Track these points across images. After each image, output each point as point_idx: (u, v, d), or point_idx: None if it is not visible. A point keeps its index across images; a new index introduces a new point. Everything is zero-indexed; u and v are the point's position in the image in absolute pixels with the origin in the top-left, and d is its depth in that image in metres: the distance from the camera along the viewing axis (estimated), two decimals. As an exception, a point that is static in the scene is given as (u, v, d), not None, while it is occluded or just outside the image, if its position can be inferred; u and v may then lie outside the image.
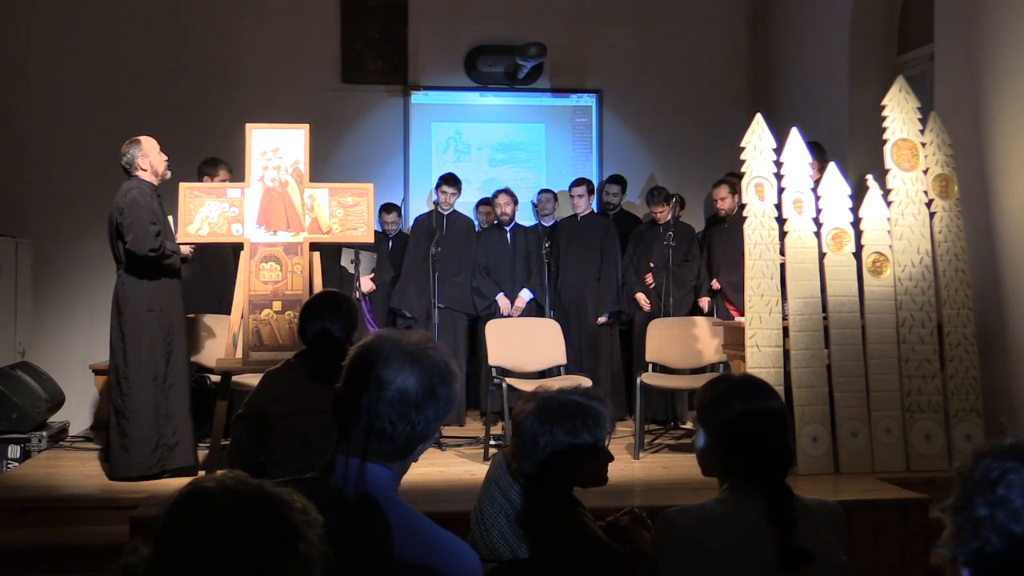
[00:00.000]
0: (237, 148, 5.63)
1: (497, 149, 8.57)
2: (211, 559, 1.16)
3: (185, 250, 5.47)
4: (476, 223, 7.91)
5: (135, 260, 5.22)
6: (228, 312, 5.54)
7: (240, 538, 1.17)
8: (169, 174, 5.47)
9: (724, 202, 7.02)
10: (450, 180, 7.35)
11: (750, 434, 2.11)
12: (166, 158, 5.47)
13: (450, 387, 1.73)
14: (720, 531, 2.06)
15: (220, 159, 6.61)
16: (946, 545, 1.29)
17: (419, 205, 8.31)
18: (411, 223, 7.88)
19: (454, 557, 1.71)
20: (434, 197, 7.44)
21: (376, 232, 7.65)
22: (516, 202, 7.48)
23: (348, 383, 1.72)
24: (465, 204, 8.01)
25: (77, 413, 6.87)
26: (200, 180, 6.35)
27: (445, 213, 7.28)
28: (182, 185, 5.49)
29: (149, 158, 5.38)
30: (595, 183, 8.05)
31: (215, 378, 5.87)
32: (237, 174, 6.10)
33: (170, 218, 5.52)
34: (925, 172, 5.54)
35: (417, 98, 8.38)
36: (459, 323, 7.20)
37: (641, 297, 7.18)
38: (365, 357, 1.71)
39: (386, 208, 7.78)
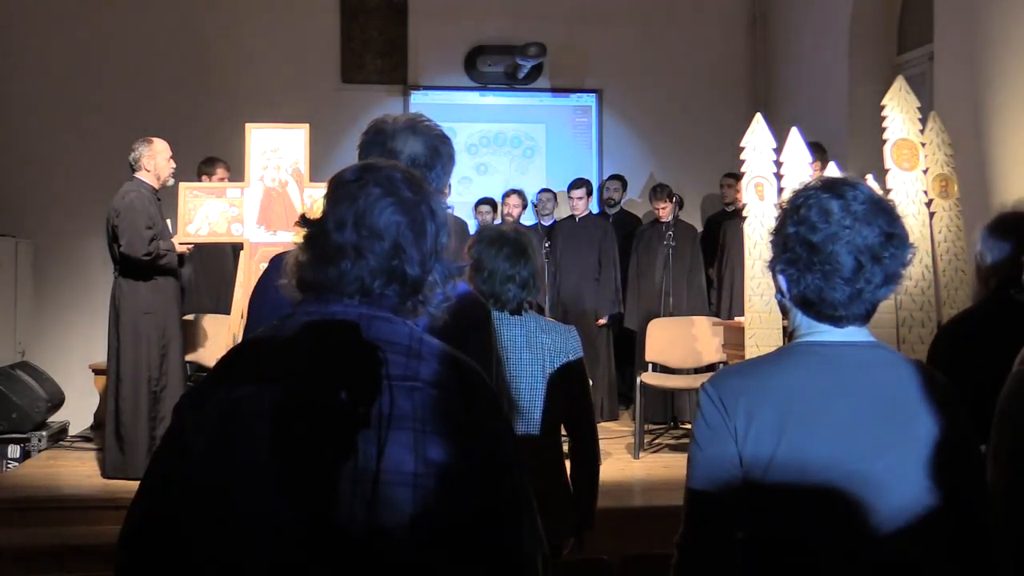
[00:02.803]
0: (237, 148, 5.63)
1: (497, 149, 8.57)
2: None
3: (182, 248, 5.48)
4: (476, 222, 7.91)
5: (130, 263, 5.23)
6: (226, 312, 5.53)
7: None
8: (172, 181, 5.49)
9: (740, 193, 6.96)
10: None
11: None
12: (174, 166, 5.48)
13: (448, 144, 1.94)
14: None
15: (217, 158, 6.61)
16: (768, 263, 1.65)
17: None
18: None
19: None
20: None
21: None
22: (525, 205, 7.50)
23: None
24: (465, 204, 8.01)
25: (77, 413, 6.86)
26: (199, 180, 6.36)
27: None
28: (182, 185, 5.50)
29: (156, 160, 5.39)
30: (595, 183, 8.05)
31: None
32: (237, 173, 6.11)
33: (168, 221, 5.52)
34: (925, 172, 5.54)
35: (417, 98, 8.38)
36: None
37: None
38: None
39: None
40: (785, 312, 1.67)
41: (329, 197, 1.45)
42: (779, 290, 1.63)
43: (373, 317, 1.39)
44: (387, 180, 1.44)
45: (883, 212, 1.57)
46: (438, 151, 1.92)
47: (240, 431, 1.34)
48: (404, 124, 1.92)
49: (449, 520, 1.32)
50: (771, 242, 1.64)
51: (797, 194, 1.61)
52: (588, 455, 2.93)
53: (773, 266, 1.63)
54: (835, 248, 1.53)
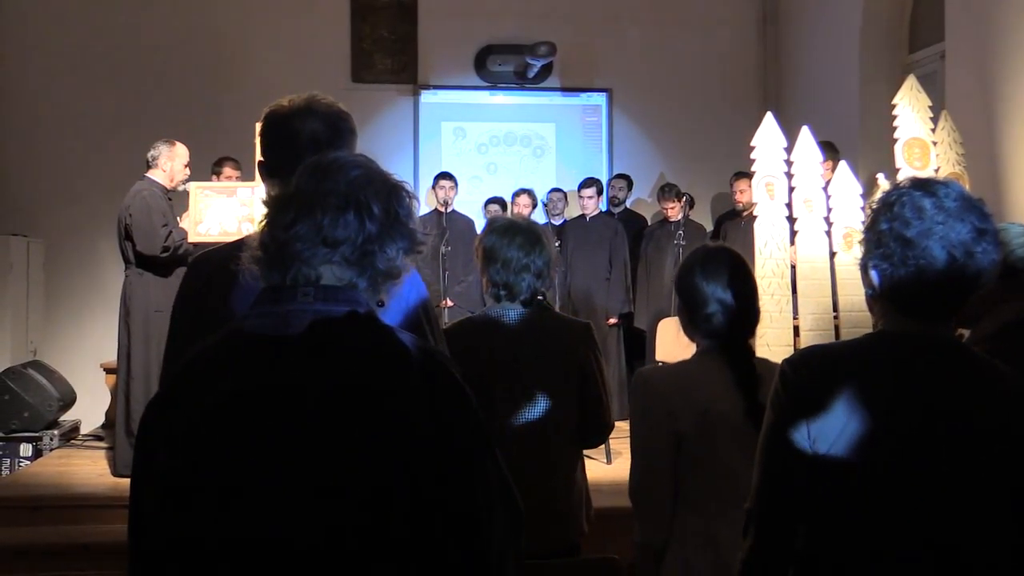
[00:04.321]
0: (247, 147, 5.63)
1: (507, 148, 8.57)
2: None
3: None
4: (485, 221, 7.92)
5: (147, 259, 5.26)
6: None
7: None
8: (182, 187, 5.52)
9: (744, 194, 6.92)
10: (446, 175, 7.38)
11: (705, 293, 2.27)
12: (188, 174, 5.52)
13: (348, 121, 1.91)
14: (692, 390, 2.21)
15: (225, 156, 6.65)
16: (861, 259, 1.69)
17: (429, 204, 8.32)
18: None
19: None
20: (437, 196, 7.39)
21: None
22: (535, 205, 7.49)
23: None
24: (474, 203, 8.02)
25: (88, 412, 6.89)
26: (209, 179, 6.39)
27: (446, 212, 7.25)
28: (193, 184, 5.52)
29: (173, 163, 5.44)
30: (605, 182, 8.04)
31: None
32: (248, 174, 6.14)
33: (179, 218, 5.54)
34: (936, 171, 5.51)
35: (427, 97, 8.38)
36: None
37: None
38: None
39: None
40: (872, 307, 1.71)
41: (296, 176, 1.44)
42: (870, 285, 1.67)
43: (331, 319, 1.32)
44: (353, 156, 1.45)
45: (974, 209, 1.59)
46: (338, 128, 1.89)
47: (203, 445, 1.30)
48: (300, 104, 1.90)
49: (418, 531, 1.27)
50: (863, 239, 1.69)
51: (889, 192, 1.65)
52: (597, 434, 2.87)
53: (865, 261, 1.66)
54: (928, 243, 1.57)
